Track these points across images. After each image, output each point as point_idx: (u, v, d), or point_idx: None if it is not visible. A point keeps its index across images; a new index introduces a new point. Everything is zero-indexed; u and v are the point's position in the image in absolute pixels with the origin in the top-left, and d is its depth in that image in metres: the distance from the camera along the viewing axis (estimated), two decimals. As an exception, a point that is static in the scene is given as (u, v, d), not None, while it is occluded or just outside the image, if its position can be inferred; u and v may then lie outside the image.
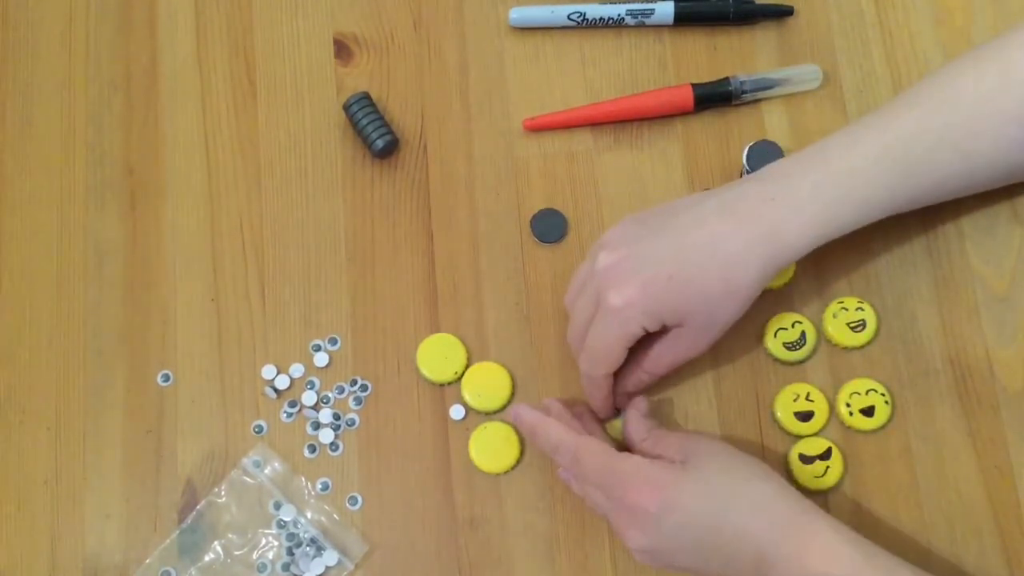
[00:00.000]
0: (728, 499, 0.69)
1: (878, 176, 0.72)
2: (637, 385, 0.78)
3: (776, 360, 0.81)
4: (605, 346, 0.74)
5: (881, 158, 0.72)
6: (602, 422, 0.79)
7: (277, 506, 0.80)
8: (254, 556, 0.79)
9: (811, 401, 0.80)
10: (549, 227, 0.85)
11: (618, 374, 0.76)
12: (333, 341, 0.83)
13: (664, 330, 0.74)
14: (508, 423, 0.81)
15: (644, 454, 0.73)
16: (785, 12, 0.90)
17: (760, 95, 0.87)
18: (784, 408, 0.80)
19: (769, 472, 0.71)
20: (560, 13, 0.89)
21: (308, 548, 0.79)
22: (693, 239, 0.72)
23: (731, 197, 0.74)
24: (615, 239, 0.74)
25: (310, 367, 0.83)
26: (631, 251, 0.73)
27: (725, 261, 0.72)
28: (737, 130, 0.87)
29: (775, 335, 0.81)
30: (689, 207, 0.74)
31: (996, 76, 0.72)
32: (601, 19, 0.89)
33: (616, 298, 0.72)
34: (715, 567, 0.70)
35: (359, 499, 0.80)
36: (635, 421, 0.77)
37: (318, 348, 0.83)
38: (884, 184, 0.73)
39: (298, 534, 0.79)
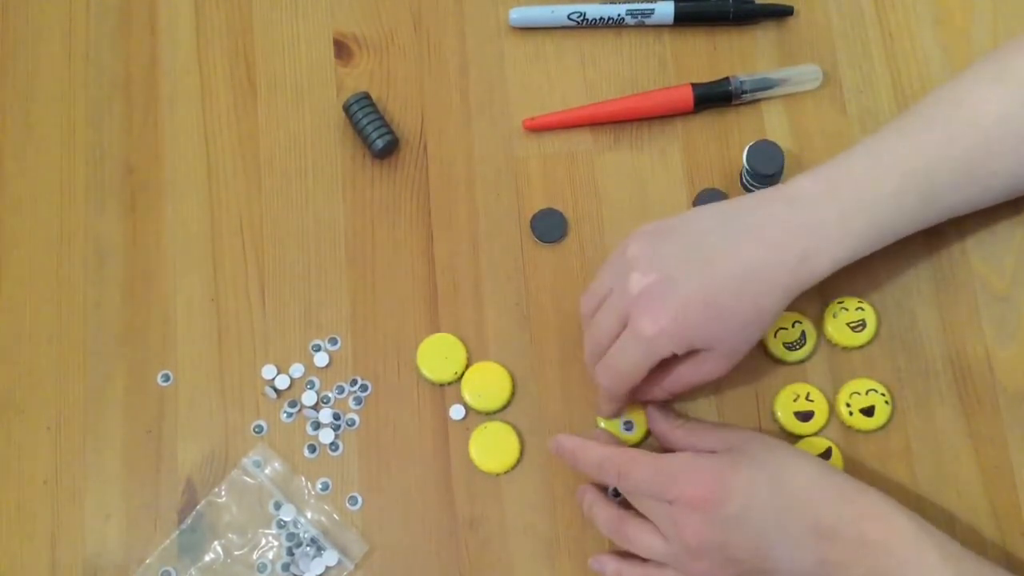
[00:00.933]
0: (782, 476, 0.70)
1: (903, 204, 0.73)
2: (650, 398, 0.78)
3: (776, 360, 0.81)
4: (630, 367, 0.73)
5: (905, 187, 0.73)
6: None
7: (277, 506, 0.80)
8: (254, 556, 0.79)
9: (811, 401, 0.80)
10: (549, 227, 0.85)
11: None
12: (333, 341, 0.83)
13: (690, 352, 0.74)
14: (508, 423, 0.81)
15: (678, 444, 0.76)
16: (785, 12, 0.90)
17: (760, 95, 0.87)
18: (784, 408, 0.80)
19: (811, 455, 0.73)
20: (560, 13, 0.89)
21: (308, 548, 0.79)
22: (728, 267, 0.72)
23: (759, 220, 0.73)
24: (645, 258, 0.73)
25: (310, 367, 0.83)
26: (664, 276, 0.72)
27: (758, 290, 0.72)
28: (737, 130, 0.87)
29: (775, 335, 0.81)
30: (716, 228, 0.73)
31: (1015, 94, 0.73)
32: (601, 19, 0.89)
33: (650, 326, 0.71)
34: (774, 547, 0.69)
35: (359, 499, 0.80)
36: (659, 415, 0.78)
37: (318, 348, 0.83)
38: (908, 211, 0.74)
39: (298, 534, 0.79)
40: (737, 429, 0.75)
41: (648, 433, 0.80)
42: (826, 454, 0.79)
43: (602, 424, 0.80)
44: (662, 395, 0.77)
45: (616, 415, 0.79)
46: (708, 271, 0.72)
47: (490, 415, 0.81)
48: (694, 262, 0.72)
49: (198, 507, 0.80)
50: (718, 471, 0.70)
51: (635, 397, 0.77)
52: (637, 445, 0.80)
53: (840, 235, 0.73)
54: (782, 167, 0.83)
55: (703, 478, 0.69)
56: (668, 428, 0.77)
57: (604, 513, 0.75)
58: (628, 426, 0.80)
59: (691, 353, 0.73)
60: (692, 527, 0.69)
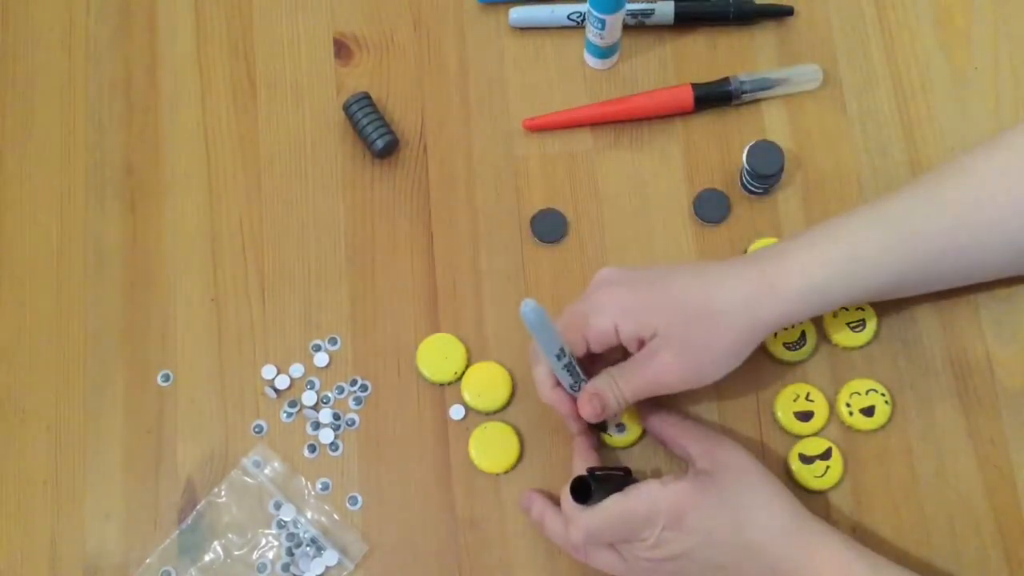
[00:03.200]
0: (745, 517, 0.70)
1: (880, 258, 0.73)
2: (606, 406, 0.75)
3: (776, 360, 0.81)
4: (575, 321, 0.73)
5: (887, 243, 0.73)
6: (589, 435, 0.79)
7: (277, 506, 0.80)
8: (254, 556, 0.79)
9: (811, 401, 0.80)
10: (549, 227, 0.85)
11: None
12: (333, 341, 0.83)
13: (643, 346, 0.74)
14: (508, 423, 0.81)
15: (668, 440, 0.77)
16: (785, 12, 0.90)
17: (760, 95, 0.87)
18: (784, 408, 0.80)
19: (782, 489, 0.72)
20: (560, 13, 0.89)
21: (308, 548, 0.79)
22: (686, 275, 0.73)
23: (724, 267, 0.74)
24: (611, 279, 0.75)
25: (310, 367, 0.83)
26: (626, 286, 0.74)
27: (708, 285, 0.72)
28: (737, 130, 0.87)
29: (775, 335, 0.81)
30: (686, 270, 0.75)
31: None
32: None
33: (603, 293, 0.73)
34: None
35: (359, 499, 0.80)
36: (654, 412, 0.78)
37: (318, 348, 0.83)
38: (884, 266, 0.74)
39: (298, 534, 0.79)
40: (722, 444, 0.74)
41: (641, 436, 0.80)
42: (826, 454, 0.79)
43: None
44: (618, 401, 0.74)
45: (580, 421, 0.77)
46: (666, 271, 0.74)
47: (490, 415, 0.81)
48: (656, 271, 0.74)
49: (198, 507, 0.80)
50: (679, 508, 0.70)
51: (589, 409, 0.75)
52: (630, 447, 0.80)
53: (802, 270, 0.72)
54: (782, 167, 0.83)
55: (668, 514, 0.70)
56: (662, 424, 0.77)
57: (558, 526, 0.75)
58: (620, 428, 0.80)
59: (644, 349, 0.73)
60: (648, 553, 0.71)
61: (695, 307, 0.72)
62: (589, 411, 0.74)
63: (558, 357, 0.72)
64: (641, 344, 0.73)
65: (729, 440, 0.75)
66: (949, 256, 0.74)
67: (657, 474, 0.79)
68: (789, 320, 0.73)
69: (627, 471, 0.76)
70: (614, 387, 0.74)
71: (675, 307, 0.72)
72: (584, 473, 0.73)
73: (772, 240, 0.84)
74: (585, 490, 0.72)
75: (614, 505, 0.71)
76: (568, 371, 0.73)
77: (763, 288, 0.72)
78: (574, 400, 0.75)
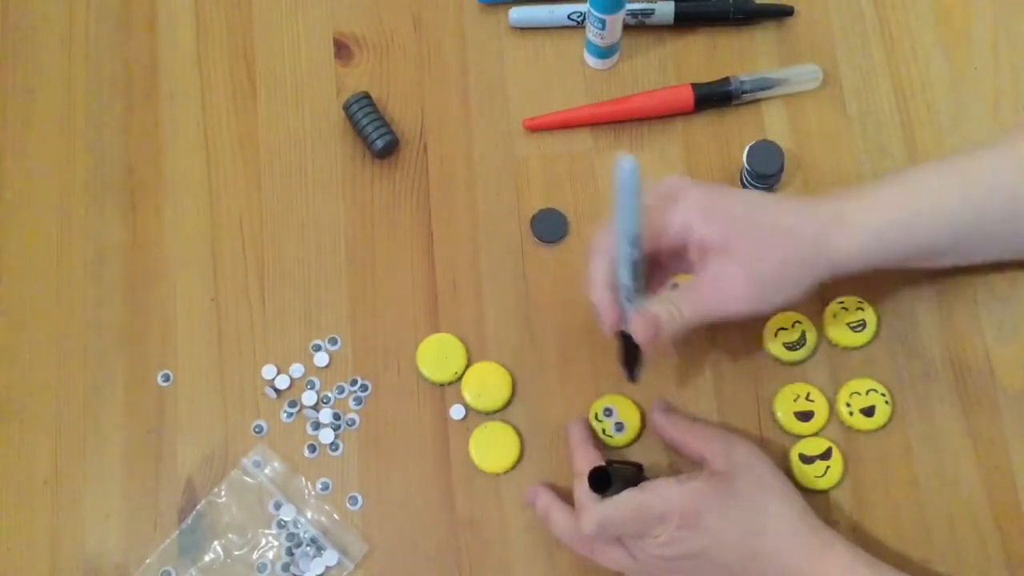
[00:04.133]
0: (758, 522, 0.71)
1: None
2: (661, 326, 0.71)
3: (776, 360, 0.81)
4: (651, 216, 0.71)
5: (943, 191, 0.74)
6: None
7: (277, 506, 0.80)
8: (254, 556, 0.79)
9: (811, 401, 0.80)
10: (549, 227, 0.85)
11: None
12: (333, 341, 0.83)
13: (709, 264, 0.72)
14: (508, 423, 0.81)
15: (681, 445, 0.77)
16: (785, 12, 0.90)
17: (760, 95, 0.87)
18: (784, 408, 0.80)
19: (795, 492, 0.73)
20: (560, 13, 0.89)
21: (308, 548, 0.79)
22: (762, 196, 0.75)
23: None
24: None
25: (310, 367, 0.83)
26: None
27: (783, 207, 0.73)
28: (737, 130, 0.87)
29: (775, 335, 0.81)
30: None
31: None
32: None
33: (680, 189, 0.72)
34: None
35: (359, 499, 0.80)
36: (665, 418, 0.78)
37: (318, 348, 0.83)
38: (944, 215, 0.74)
39: (298, 534, 0.79)
40: (737, 445, 0.74)
41: (638, 436, 0.80)
42: (826, 454, 0.79)
43: (597, 428, 0.80)
44: (676, 319, 0.71)
45: (615, 318, 0.73)
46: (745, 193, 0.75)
47: (490, 415, 0.81)
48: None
49: (198, 507, 0.80)
50: (694, 508, 0.70)
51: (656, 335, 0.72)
52: (626, 447, 0.80)
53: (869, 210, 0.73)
54: (782, 167, 0.83)
55: (682, 514, 0.70)
56: (673, 429, 0.77)
57: (563, 520, 0.75)
58: (619, 428, 0.80)
59: (709, 268, 0.71)
60: (658, 551, 0.71)
61: (768, 223, 0.71)
62: (643, 330, 0.70)
63: (631, 244, 0.67)
64: (703, 256, 0.71)
65: (743, 440, 0.75)
66: (1018, 216, 0.74)
67: (661, 471, 0.79)
68: (851, 261, 0.72)
69: (639, 467, 0.76)
70: (672, 308, 0.71)
71: (749, 219, 0.71)
72: (589, 468, 0.73)
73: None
74: (603, 480, 0.72)
75: (629, 499, 0.71)
76: (633, 268, 0.69)
77: (837, 221, 0.72)
78: (618, 311, 0.72)
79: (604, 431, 0.80)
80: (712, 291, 0.71)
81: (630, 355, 0.76)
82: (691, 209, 0.71)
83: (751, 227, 0.71)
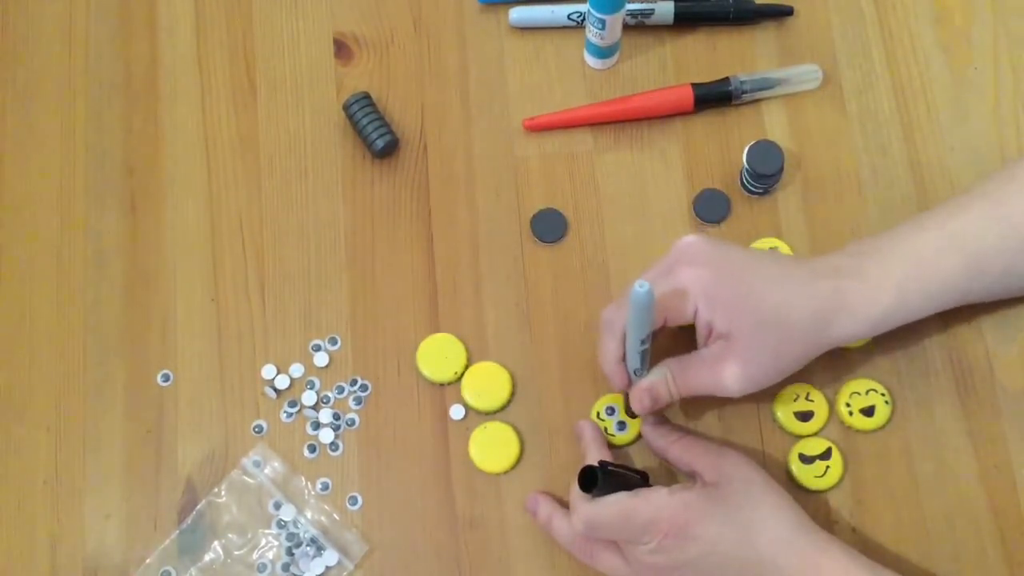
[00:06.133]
0: (752, 531, 0.70)
1: (943, 266, 0.74)
2: (657, 400, 0.75)
3: (776, 360, 0.81)
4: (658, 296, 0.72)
5: (950, 248, 0.74)
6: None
7: (277, 506, 0.80)
8: (254, 556, 0.79)
9: (811, 401, 0.80)
10: (549, 227, 0.85)
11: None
12: (333, 341, 0.83)
13: (709, 341, 0.74)
14: (508, 423, 0.81)
15: (673, 459, 0.77)
16: (785, 12, 0.90)
17: (760, 95, 0.87)
18: (784, 408, 0.80)
19: (787, 499, 0.73)
20: (560, 13, 0.89)
21: (308, 548, 0.79)
22: (769, 275, 0.73)
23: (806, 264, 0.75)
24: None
25: (310, 367, 0.83)
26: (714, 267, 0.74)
27: (788, 293, 0.72)
28: (737, 130, 0.87)
29: (775, 335, 0.81)
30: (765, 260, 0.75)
31: None
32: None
33: (687, 273, 0.73)
34: None
35: (359, 499, 0.80)
36: (654, 429, 0.78)
37: (318, 348, 0.83)
38: (950, 274, 0.75)
39: (298, 534, 0.79)
40: (727, 456, 0.74)
41: (640, 435, 0.80)
42: (826, 454, 0.79)
43: (595, 418, 0.80)
44: (670, 393, 0.75)
45: (642, 413, 0.77)
46: (752, 259, 0.74)
47: (490, 415, 0.81)
48: (740, 251, 0.75)
49: (198, 507, 0.80)
50: (682, 518, 0.70)
51: (645, 395, 0.75)
52: (628, 446, 0.80)
53: (879, 284, 0.73)
54: (782, 167, 0.83)
55: (671, 522, 0.70)
56: (664, 442, 0.77)
57: (566, 527, 0.75)
58: (621, 426, 0.80)
59: (709, 349, 0.73)
60: (650, 558, 0.71)
61: (772, 315, 0.72)
62: (639, 405, 0.75)
63: (642, 342, 0.72)
64: (709, 332, 0.73)
65: (734, 452, 0.75)
66: (1015, 273, 0.75)
67: (664, 474, 0.79)
68: (857, 338, 0.75)
69: (645, 476, 0.76)
70: (670, 383, 0.74)
71: (753, 309, 0.72)
72: (586, 466, 0.73)
73: (772, 240, 0.84)
74: (590, 479, 0.72)
75: (618, 502, 0.71)
76: (641, 357, 0.74)
77: (837, 306, 0.72)
78: (628, 382, 0.76)
79: (606, 430, 0.80)
80: (708, 375, 0.73)
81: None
82: (693, 298, 0.73)
83: (753, 318, 0.72)
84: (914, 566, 0.77)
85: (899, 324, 0.75)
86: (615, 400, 0.80)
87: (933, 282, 0.74)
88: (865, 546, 0.77)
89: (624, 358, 0.75)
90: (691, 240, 0.74)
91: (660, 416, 0.79)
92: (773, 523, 0.71)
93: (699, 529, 0.70)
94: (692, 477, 0.76)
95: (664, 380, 0.74)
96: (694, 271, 0.73)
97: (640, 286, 0.67)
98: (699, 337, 0.75)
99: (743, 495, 0.72)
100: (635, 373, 0.75)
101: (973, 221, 0.74)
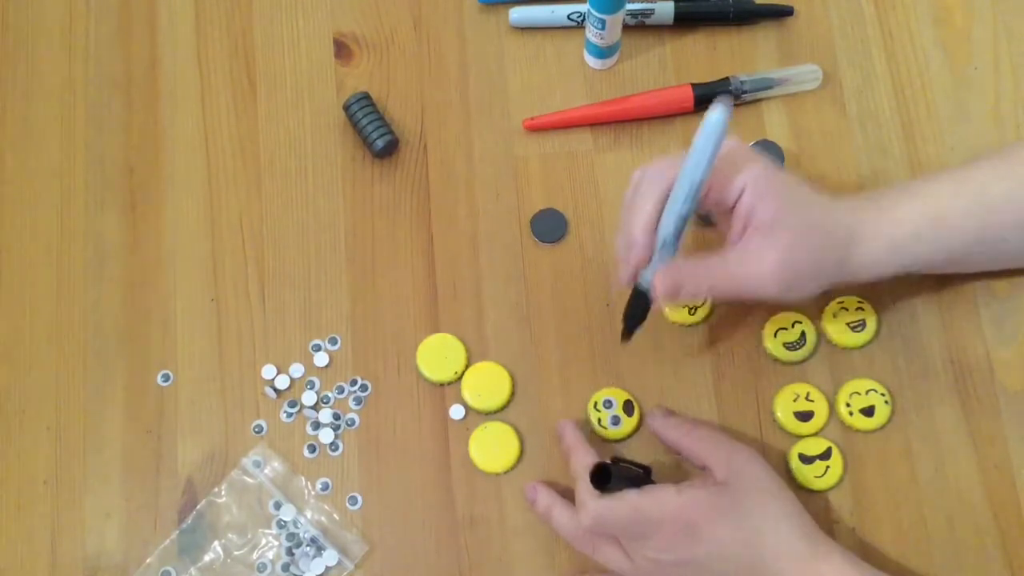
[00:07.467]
0: (758, 532, 0.70)
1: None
2: (679, 291, 0.72)
3: (776, 360, 0.81)
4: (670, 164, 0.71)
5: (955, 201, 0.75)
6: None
7: (277, 506, 0.80)
8: (254, 556, 0.79)
9: (811, 401, 0.80)
10: (549, 227, 0.85)
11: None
12: (333, 341, 0.83)
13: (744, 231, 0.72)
14: (508, 423, 0.81)
15: (687, 451, 0.76)
16: (785, 12, 0.90)
17: (760, 95, 0.87)
18: (784, 408, 0.80)
19: (795, 503, 0.73)
20: (560, 13, 0.89)
21: (308, 548, 0.79)
22: (810, 190, 0.73)
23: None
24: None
25: (310, 367, 0.83)
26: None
27: (826, 204, 0.73)
28: (737, 130, 0.87)
29: (775, 335, 0.81)
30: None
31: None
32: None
33: (742, 157, 0.72)
34: None
35: (359, 499, 0.80)
36: (664, 422, 0.78)
37: (318, 348, 0.83)
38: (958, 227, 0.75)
39: (298, 534, 0.79)
40: (738, 453, 0.74)
41: (635, 430, 0.80)
42: (826, 454, 0.79)
43: (593, 417, 0.80)
44: (701, 287, 0.73)
45: (631, 272, 0.74)
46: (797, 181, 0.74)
47: (490, 415, 0.81)
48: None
49: (198, 507, 0.80)
50: (690, 517, 0.70)
51: (680, 291, 0.72)
52: (622, 441, 0.80)
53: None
54: (782, 167, 0.83)
55: (679, 521, 0.70)
56: (676, 434, 0.77)
57: (565, 517, 0.75)
58: (616, 421, 0.80)
59: (749, 240, 0.71)
60: (654, 555, 0.71)
61: (812, 215, 0.72)
62: (663, 287, 0.71)
63: (690, 196, 0.69)
64: (745, 229, 0.72)
65: (745, 448, 0.75)
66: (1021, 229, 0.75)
67: (666, 469, 0.79)
68: (863, 271, 0.74)
69: (648, 470, 0.76)
70: (698, 275, 0.72)
71: (797, 207, 0.72)
72: (586, 467, 0.73)
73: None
74: (604, 476, 0.72)
75: (627, 500, 0.71)
76: (680, 222, 0.70)
77: (861, 231, 0.73)
78: (647, 258, 0.72)
79: (600, 421, 0.80)
80: (746, 268, 0.71)
81: (635, 311, 0.76)
82: (750, 182, 0.71)
83: (798, 214, 0.72)
84: (914, 567, 0.77)
85: (911, 266, 0.75)
86: (613, 393, 0.80)
87: (945, 221, 0.74)
88: (865, 546, 0.77)
89: (653, 230, 0.71)
90: (736, 143, 0.72)
91: (666, 410, 0.79)
92: (779, 530, 0.71)
93: (707, 530, 0.70)
94: (701, 470, 0.76)
95: (693, 270, 0.71)
96: (750, 163, 0.72)
97: (720, 101, 0.60)
98: (734, 230, 0.73)
99: (751, 496, 0.72)
100: (663, 242, 0.70)
101: (986, 171, 0.75)
